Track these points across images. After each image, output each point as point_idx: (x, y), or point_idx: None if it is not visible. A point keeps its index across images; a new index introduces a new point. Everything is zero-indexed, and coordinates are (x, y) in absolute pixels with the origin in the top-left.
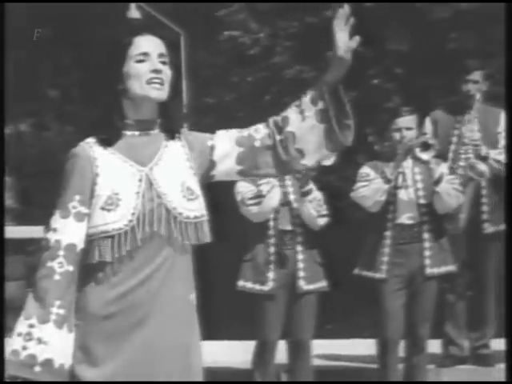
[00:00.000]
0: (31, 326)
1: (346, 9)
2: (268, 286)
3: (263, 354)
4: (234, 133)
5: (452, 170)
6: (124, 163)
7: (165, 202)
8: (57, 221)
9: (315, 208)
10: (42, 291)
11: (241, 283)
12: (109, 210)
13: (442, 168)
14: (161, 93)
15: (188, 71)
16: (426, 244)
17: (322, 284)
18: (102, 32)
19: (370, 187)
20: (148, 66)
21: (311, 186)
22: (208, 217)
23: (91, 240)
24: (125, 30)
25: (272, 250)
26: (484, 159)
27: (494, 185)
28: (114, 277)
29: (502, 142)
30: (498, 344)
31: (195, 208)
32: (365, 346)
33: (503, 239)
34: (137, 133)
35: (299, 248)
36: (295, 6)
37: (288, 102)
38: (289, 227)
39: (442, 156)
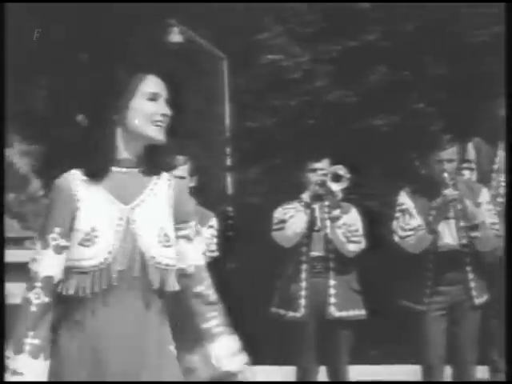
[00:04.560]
0: (7, 357)
1: None
2: (300, 313)
3: (304, 379)
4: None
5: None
6: (106, 200)
7: (139, 245)
8: (37, 251)
9: (345, 234)
10: (16, 322)
11: (273, 309)
12: (86, 246)
13: (483, 196)
14: (162, 135)
15: (229, 95)
16: (470, 275)
17: (358, 312)
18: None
19: (416, 237)
20: (157, 107)
21: (339, 211)
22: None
23: (68, 272)
24: (135, 66)
25: (303, 276)
26: None
27: None
28: (84, 313)
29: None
30: None
31: (168, 255)
32: (411, 373)
33: None
34: (123, 169)
35: (331, 274)
36: (336, 30)
37: (330, 127)
38: (321, 253)
39: (483, 182)
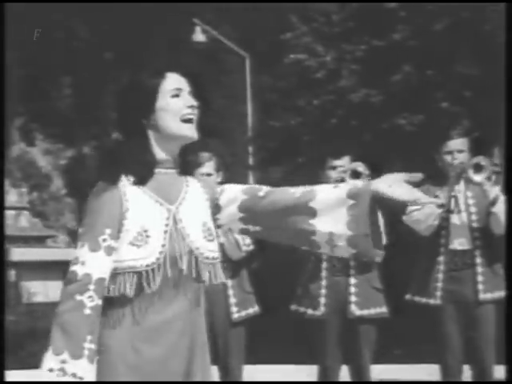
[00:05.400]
0: (63, 361)
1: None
2: (320, 311)
3: (326, 378)
4: (243, 185)
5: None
6: (153, 200)
7: (188, 242)
8: (85, 254)
9: None
10: (71, 325)
11: (294, 307)
12: (138, 246)
13: (496, 189)
14: (194, 132)
15: (253, 95)
16: (479, 269)
17: (380, 310)
18: (164, 55)
19: (423, 211)
20: (183, 101)
21: None
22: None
23: (115, 274)
24: (153, 67)
25: (324, 274)
26: None
27: None
28: (137, 314)
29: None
30: None
31: (213, 249)
32: (432, 372)
33: None
34: (164, 170)
35: (352, 272)
36: (361, 29)
37: (355, 126)
38: None
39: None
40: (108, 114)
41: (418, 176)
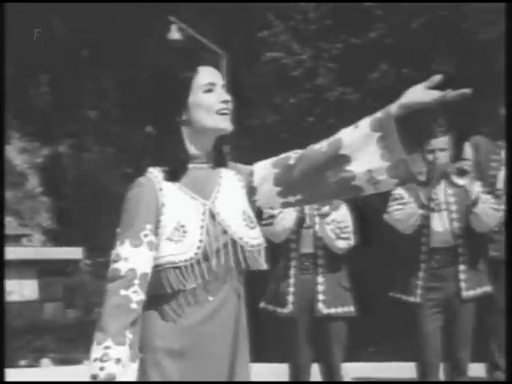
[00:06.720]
0: (107, 347)
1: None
2: (288, 309)
3: (297, 377)
4: (271, 159)
5: (494, 195)
6: (188, 196)
7: (231, 234)
8: (127, 250)
9: (334, 230)
10: (116, 317)
11: (262, 305)
12: (176, 242)
13: (477, 187)
14: (229, 124)
15: (230, 93)
16: (461, 267)
17: (347, 309)
18: (141, 53)
19: (404, 211)
20: (216, 96)
21: (329, 208)
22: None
23: (155, 270)
24: (185, 61)
25: (292, 272)
26: None
27: None
28: (179, 309)
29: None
30: None
31: (256, 236)
32: (408, 370)
33: None
34: (198, 165)
35: (320, 271)
36: (338, 27)
37: (331, 124)
38: (310, 250)
39: (482, 181)
40: (85, 112)
41: (436, 78)
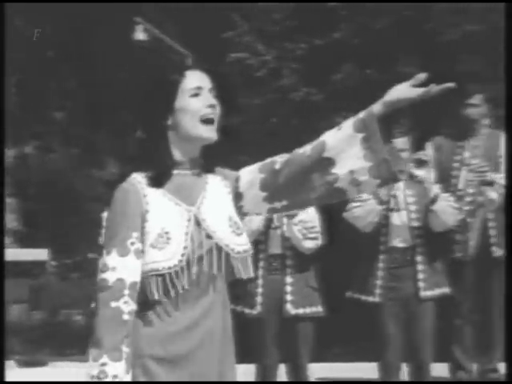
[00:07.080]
0: (103, 364)
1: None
2: (256, 310)
3: (264, 377)
4: (257, 164)
5: (458, 197)
6: (172, 202)
7: (216, 241)
8: (114, 259)
9: (301, 231)
10: (110, 333)
11: (232, 306)
12: (159, 249)
13: (436, 188)
14: (213, 134)
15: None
16: (419, 267)
17: (316, 309)
18: (108, 54)
19: (363, 208)
20: (203, 100)
21: None
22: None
23: (143, 276)
24: (172, 65)
25: (261, 273)
26: (490, 184)
27: (501, 208)
28: (165, 316)
29: (503, 165)
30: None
31: (243, 242)
32: (370, 370)
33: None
34: (182, 172)
35: (288, 271)
36: (302, 28)
37: (295, 125)
38: (278, 251)
39: (443, 182)
40: (52, 113)
41: (421, 77)
